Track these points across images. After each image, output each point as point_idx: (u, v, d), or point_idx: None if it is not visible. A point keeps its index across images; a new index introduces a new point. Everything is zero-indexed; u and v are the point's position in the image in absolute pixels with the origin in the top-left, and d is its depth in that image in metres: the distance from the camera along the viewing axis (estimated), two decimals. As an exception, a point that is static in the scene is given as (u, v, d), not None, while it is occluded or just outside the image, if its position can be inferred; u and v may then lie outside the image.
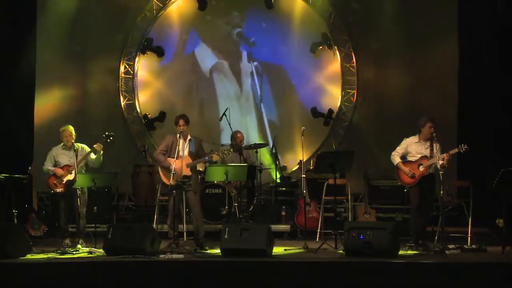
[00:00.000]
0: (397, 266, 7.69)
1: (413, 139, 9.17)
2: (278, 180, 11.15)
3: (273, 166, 11.21)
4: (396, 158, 9.16)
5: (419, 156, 9.03)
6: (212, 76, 12.63)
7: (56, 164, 9.31)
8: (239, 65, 12.63)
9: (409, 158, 9.12)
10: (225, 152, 9.46)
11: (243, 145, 10.99)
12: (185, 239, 9.86)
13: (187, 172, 9.01)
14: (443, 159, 8.81)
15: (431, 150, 9.00)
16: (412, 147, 9.12)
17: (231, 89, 12.57)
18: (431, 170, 9.01)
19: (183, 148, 9.12)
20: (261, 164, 11.01)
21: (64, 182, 9.19)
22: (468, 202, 9.55)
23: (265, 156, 11.92)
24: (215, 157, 9.12)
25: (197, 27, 12.63)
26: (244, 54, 12.62)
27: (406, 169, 9.04)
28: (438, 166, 8.82)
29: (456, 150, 8.83)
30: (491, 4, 11.56)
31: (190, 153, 9.10)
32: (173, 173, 8.81)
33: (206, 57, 12.61)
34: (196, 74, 12.66)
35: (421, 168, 8.98)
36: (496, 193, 8.87)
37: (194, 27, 12.63)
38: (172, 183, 8.91)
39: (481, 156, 11.00)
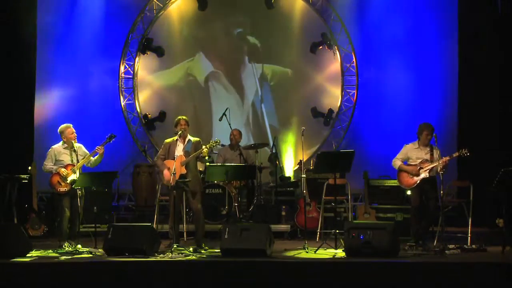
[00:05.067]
0: (397, 266, 7.69)
1: (412, 146, 9.26)
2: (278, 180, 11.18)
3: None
4: (397, 162, 9.26)
5: (420, 161, 9.08)
6: (207, 85, 12.63)
7: (56, 163, 9.26)
8: (239, 66, 12.63)
9: (410, 163, 9.18)
10: (213, 145, 9.41)
11: (243, 145, 10.99)
12: (185, 239, 9.85)
13: (182, 170, 9.01)
14: (444, 162, 8.86)
15: (431, 155, 9.06)
16: (412, 153, 9.20)
17: (226, 96, 12.54)
18: (432, 174, 9.05)
19: (180, 148, 9.14)
20: (261, 164, 11.01)
21: (68, 182, 9.14)
22: (468, 202, 9.55)
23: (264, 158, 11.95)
24: (204, 152, 9.10)
25: (197, 27, 12.63)
26: (245, 54, 12.62)
27: (409, 168, 9.11)
28: (439, 169, 8.86)
29: (457, 153, 8.88)
30: (491, 4, 11.56)
31: (185, 153, 9.11)
32: (173, 173, 8.83)
33: (202, 66, 12.61)
34: (191, 81, 12.67)
35: (422, 171, 9.02)
36: (496, 193, 8.87)
37: (194, 30, 12.63)
38: (172, 184, 8.92)
39: (481, 156, 11.00)
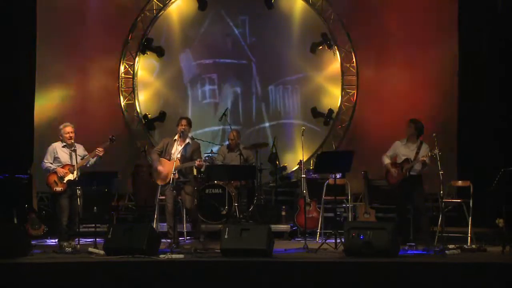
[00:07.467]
0: (397, 266, 7.69)
1: (401, 142, 9.50)
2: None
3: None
4: (385, 159, 9.51)
5: (402, 160, 9.30)
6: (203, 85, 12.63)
7: (55, 161, 9.24)
8: (238, 66, 12.61)
9: (398, 160, 9.39)
10: (208, 160, 9.62)
11: (242, 146, 10.99)
12: (185, 239, 9.85)
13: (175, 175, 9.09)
14: (422, 161, 9.07)
15: (417, 153, 9.19)
16: (400, 150, 9.44)
17: (224, 97, 12.52)
18: (414, 173, 9.23)
19: (177, 150, 9.20)
20: (261, 164, 11.00)
21: (65, 182, 9.14)
22: (468, 202, 9.56)
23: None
24: (199, 165, 9.31)
25: (197, 27, 12.62)
26: (244, 54, 12.60)
27: (392, 169, 9.36)
28: (419, 168, 9.11)
29: (429, 154, 9.00)
30: (491, 4, 11.56)
31: (181, 157, 9.17)
32: (174, 173, 8.88)
33: (201, 65, 12.61)
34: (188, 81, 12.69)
35: (403, 170, 9.22)
36: (496, 193, 8.88)
37: (193, 30, 12.61)
38: (171, 183, 8.98)
39: (481, 156, 11.01)
